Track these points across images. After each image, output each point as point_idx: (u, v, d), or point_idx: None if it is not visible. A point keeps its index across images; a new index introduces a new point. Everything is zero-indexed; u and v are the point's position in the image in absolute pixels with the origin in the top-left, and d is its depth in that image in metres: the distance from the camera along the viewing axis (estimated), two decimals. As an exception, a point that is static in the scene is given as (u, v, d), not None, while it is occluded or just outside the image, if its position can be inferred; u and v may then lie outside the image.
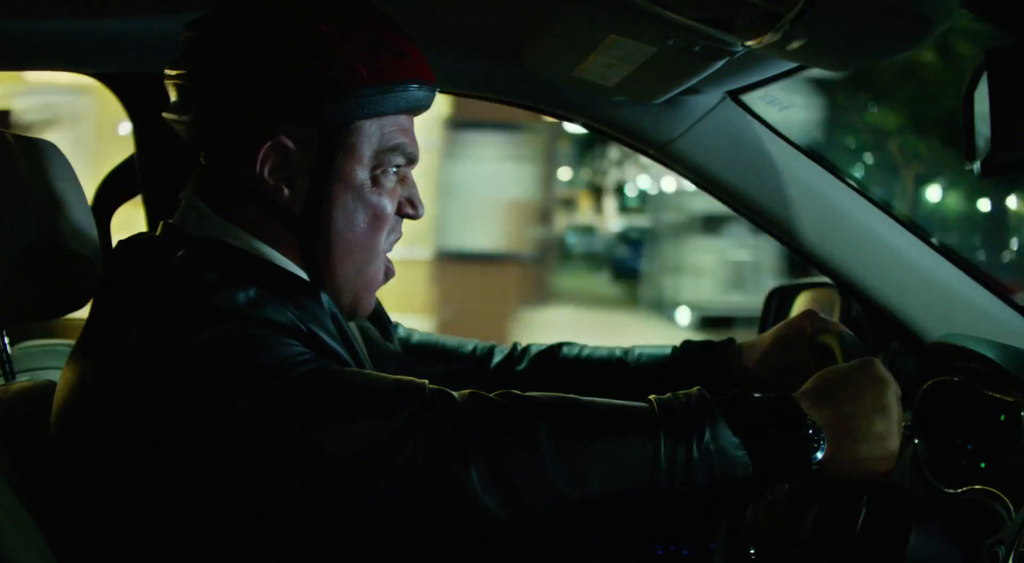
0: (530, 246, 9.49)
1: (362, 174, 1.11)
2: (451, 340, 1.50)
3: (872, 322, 1.67)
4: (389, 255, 1.19)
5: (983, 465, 1.20)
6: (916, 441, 1.30)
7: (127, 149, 1.86)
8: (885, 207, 1.62)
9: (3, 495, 1.02)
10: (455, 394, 1.00)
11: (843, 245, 1.61)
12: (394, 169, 1.14)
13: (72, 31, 1.52)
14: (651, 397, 1.03)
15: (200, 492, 0.97)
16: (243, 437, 0.94)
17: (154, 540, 1.00)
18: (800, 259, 1.68)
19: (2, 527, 0.99)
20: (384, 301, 1.36)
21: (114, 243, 1.16)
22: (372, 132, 1.10)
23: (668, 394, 1.04)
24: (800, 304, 1.86)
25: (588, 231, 28.66)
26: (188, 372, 0.96)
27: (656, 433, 0.98)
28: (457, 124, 8.73)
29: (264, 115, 1.08)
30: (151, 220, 1.83)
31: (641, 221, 21.59)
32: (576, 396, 1.03)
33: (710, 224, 13.60)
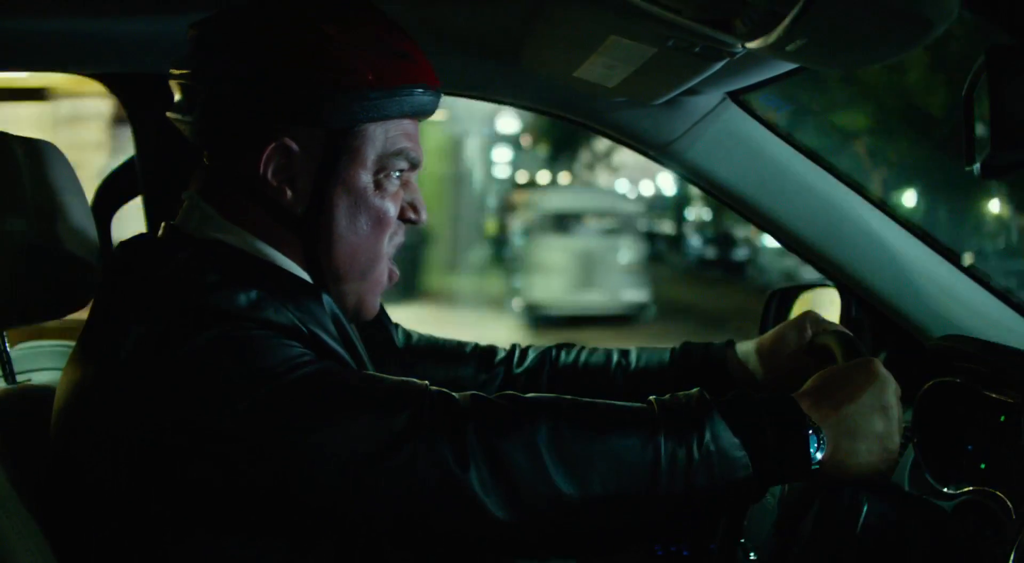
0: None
1: (365, 177, 1.11)
2: (451, 341, 1.50)
3: (872, 323, 1.67)
4: None
5: (983, 466, 1.20)
6: (914, 442, 1.30)
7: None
8: (885, 208, 1.62)
9: (4, 495, 1.02)
10: (455, 395, 1.00)
11: (843, 246, 1.61)
12: (397, 173, 1.14)
13: (72, 31, 1.52)
14: (651, 398, 1.04)
15: (200, 492, 0.97)
16: (243, 438, 0.94)
17: (154, 540, 0.99)
18: (801, 259, 1.68)
19: (2, 527, 0.99)
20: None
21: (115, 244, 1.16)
22: (376, 136, 1.10)
23: (668, 395, 1.04)
24: (800, 305, 1.86)
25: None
26: (188, 373, 0.96)
27: (656, 434, 0.98)
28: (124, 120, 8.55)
29: (269, 116, 1.08)
30: (151, 221, 1.83)
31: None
32: (576, 397, 1.03)
33: (562, 222, 13.65)
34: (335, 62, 1.06)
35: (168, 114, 1.14)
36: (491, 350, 1.49)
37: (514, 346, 1.50)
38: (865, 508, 1.03)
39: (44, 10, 1.41)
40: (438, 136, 15.19)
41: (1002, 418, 1.17)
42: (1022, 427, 1.11)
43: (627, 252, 13.62)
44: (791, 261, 17.47)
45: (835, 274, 1.65)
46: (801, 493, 1.18)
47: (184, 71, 1.10)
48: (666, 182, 31.70)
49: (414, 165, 1.16)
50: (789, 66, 1.39)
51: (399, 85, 1.09)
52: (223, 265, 1.05)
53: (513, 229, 17.55)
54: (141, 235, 1.19)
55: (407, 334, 1.48)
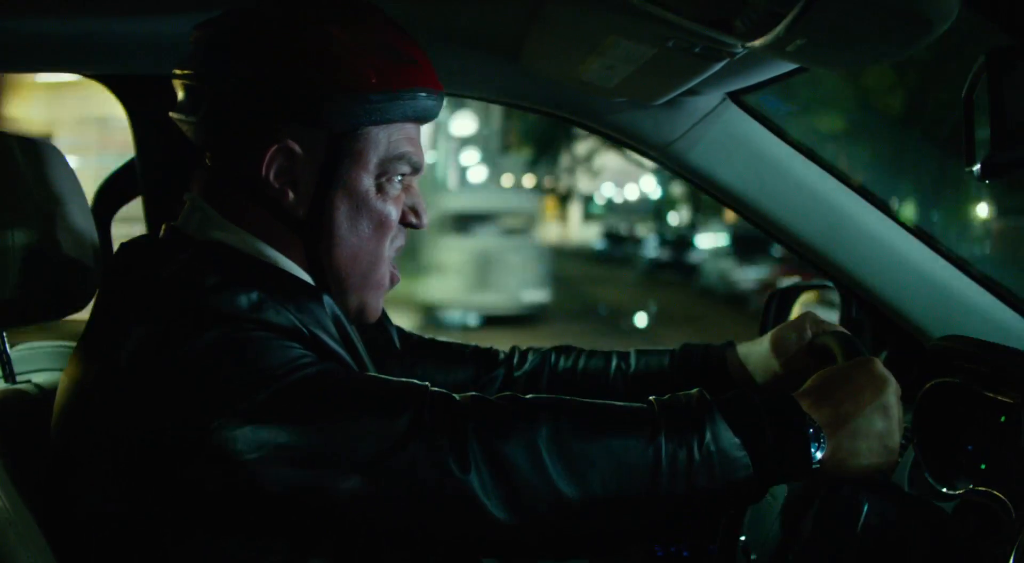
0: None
1: (367, 180, 1.11)
2: (451, 343, 1.50)
3: (872, 323, 1.67)
4: None
5: (983, 466, 1.20)
6: (914, 442, 1.30)
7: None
8: (885, 208, 1.62)
9: (4, 495, 1.02)
10: (456, 396, 1.00)
11: (843, 246, 1.61)
12: (399, 177, 1.14)
13: (72, 32, 1.52)
14: (651, 398, 1.03)
15: (200, 493, 0.97)
16: (244, 439, 0.94)
17: (154, 540, 0.99)
18: (801, 259, 1.68)
19: (3, 527, 0.99)
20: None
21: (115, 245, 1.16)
22: (379, 139, 1.10)
23: (668, 395, 1.04)
24: (800, 305, 1.86)
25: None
26: (189, 375, 0.96)
27: (657, 434, 0.98)
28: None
29: (272, 118, 1.08)
30: (151, 222, 1.83)
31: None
32: (576, 398, 1.03)
33: (462, 223, 13.61)
34: (339, 65, 1.06)
35: (171, 114, 1.14)
36: (491, 352, 1.49)
37: (514, 348, 1.50)
38: (865, 508, 1.03)
39: (45, 11, 1.41)
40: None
41: (1002, 418, 1.17)
42: (1022, 427, 1.11)
43: (527, 253, 13.57)
44: (726, 264, 17.77)
45: (835, 274, 1.65)
46: (801, 493, 1.18)
47: (188, 71, 1.10)
48: (650, 185, 31.78)
49: (416, 169, 1.16)
50: (789, 66, 1.39)
51: (402, 88, 1.09)
52: (224, 266, 1.05)
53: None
54: (142, 236, 1.19)
55: (407, 336, 1.48)
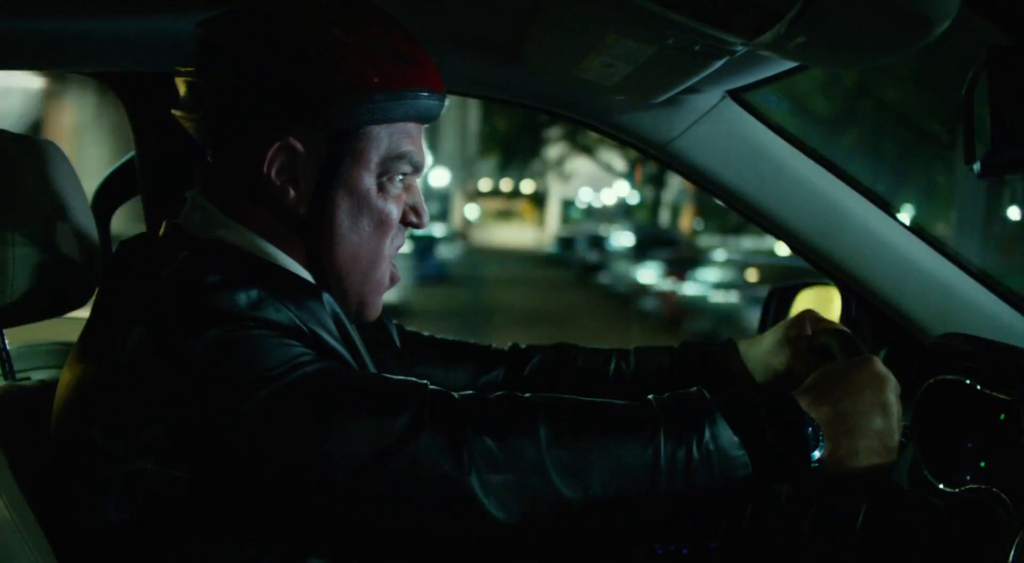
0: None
1: (368, 179, 1.11)
2: (451, 341, 1.50)
3: (872, 321, 1.67)
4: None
5: (983, 464, 1.20)
6: (913, 440, 1.30)
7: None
8: (885, 206, 1.62)
9: (4, 495, 1.02)
10: (455, 395, 1.00)
11: (843, 244, 1.61)
12: (400, 177, 1.14)
13: (72, 31, 1.52)
14: (650, 397, 1.03)
15: (200, 493, 0.97)
16: (244, 439, 0.94)
17: (154, 540, 1.00)
18: (801, 258, 1.68)
19: (3, 526, 0.99)
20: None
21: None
22: (381, 138, 1.10)
23: (667, 394, 1.04)
24: (800, 304, 1.86)
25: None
26: (189, 375, 0.96)
27: (656, 433, 0.98)
28: None
29: (273, 116, 1.08)
30: (151, 220, 1.83)
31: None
32: (575, 397, 1.03)
33: None
34: (341, 64, 1.06)
35: (173, 112, 1.14)
36: (491, 351, 1.49)
37: (514, 346, 1.50)
38: (865, 507, 1.03)
39: (45, 10, 1.41)
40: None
41: (1002, 416, 1.17)
42: (1022, 425, 1.11)
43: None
44: (624, 265, 17.92)
45: (835, 272, 1.65)
46: (801, 492, 1.18)
47: (190, 69, 1.10)
48: (626, 190, 31.89)
49: (417, 169, 1.16)
50: (789, 64, 1.39)
51: (404, 88, 1.09)
52: (224, 265, 1.05)
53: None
54: (141, 234, 1.19)
55: (407, 334, 1.48)
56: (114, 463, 0.98)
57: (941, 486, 1.23)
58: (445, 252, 21.88)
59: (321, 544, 1.02)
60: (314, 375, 0.98)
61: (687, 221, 26.45)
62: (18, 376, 1.35)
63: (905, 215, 1.59)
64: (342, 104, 1.06)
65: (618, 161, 27.63)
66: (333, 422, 0.95)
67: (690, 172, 1.68)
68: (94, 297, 1.15)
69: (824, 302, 1.80)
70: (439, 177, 29.24)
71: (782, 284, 1.93)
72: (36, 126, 12.23)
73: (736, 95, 1.63)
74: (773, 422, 1.00)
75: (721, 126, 1.62)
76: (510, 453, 0.96)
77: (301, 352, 1.00)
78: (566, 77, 1.49)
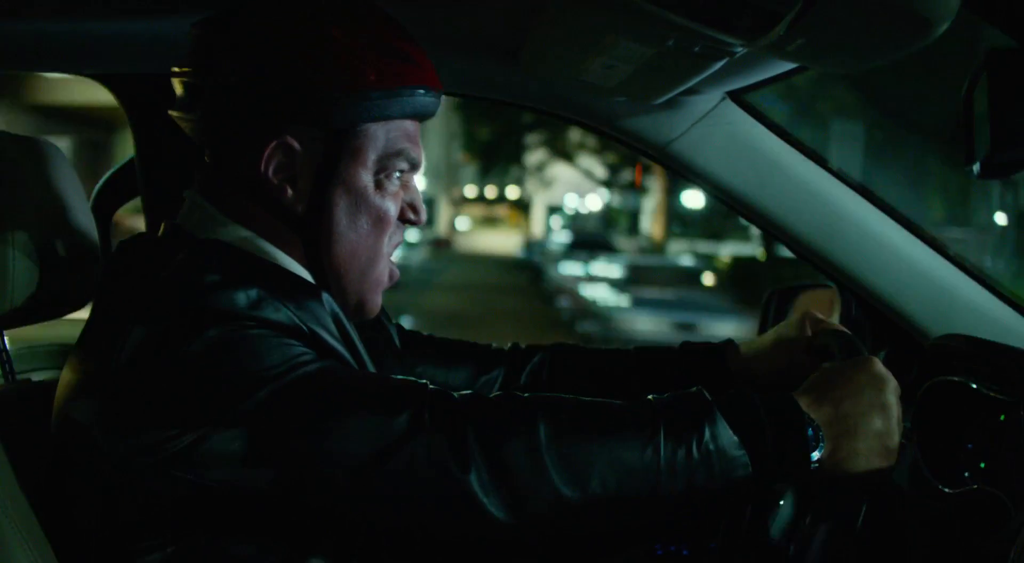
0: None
1: (366, 177, 1.11)
2: (451, 341, 1.50)
3: (872, 322, 1.67)
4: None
5: (983, 465, 1.20)
6: (913, 441, 1.30)
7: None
8: (885, 207, 1.62)
9: (4, 494, 1.02)
10: (455, 395, 1.00)
11: (843, 245, 1.61)
12: (397, 174, 1.14)
13: (72, 31, 1.52)
14: (650, 397, 1.03)
15: (200, 493, 0.97)
16: (244, 439, 0.94)
17: (154, 540, 1.00)
18: (801, 259, 1.68)
19: (3, 526, 0.99)
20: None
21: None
22: (378, 136, 1.11)
23: (667, 394, 1.04)
24: (799, 305, 1.86)
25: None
26: (189, 375, 0.96)
27: (656, 433, 0.98)
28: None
29: (271, 115, 1.08)
30: (150, 221, 1.83)
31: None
32: (575, 397, 1.03)
33: None
34: (338, 62, 1.06)
35: (170, 112, 1.14)
36: (491, 350, 1.49)
37: (514, 346, 1.50)
38: (865, 507, 1.03)
39: (45, 10, 1.41)
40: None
41: (1002, 417, 1.17)
42: (1022, 426, 1.11)
43: None
44: (554, 267, 18.11)
45: (834, 273, 1.65)
46: (801, 493, 1.18)
47: (187, 69, 1.10)
48: (614, 196, 31.98)
49: (414, 166, 1.16)
50: (789, 65, 1.39)
51: (401, 86, 1.09)
52: (223, 265, 1.05)
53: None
54: (141, 234, 1.19)
55: (407, 334, 1.48)
56: (114, 463, 0.98)
57: (941, 487, 1.23)
58: (411, 257, 21.84)
59: (321, 544, 1.02)
60: (314, 375, 0.98)
61: (659, 227, 26.43)
62: (18, 377, 1.35)
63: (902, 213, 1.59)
64: (339, 102, 1.06)
65: (598, 168, 27.68)
66: (333, 422, 0.95)
67: (690, 173, 1.68)
68: (94, 298, 1.15)
69: (824, 303, 1.80)
70: (421, 183, 29.33)
71: (782, 285, 1.93)
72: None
73: (736, 96, 1.63)
74: (773, 422, 1.00)
75: (721, 127, 1.62)
76: (510, 453, 0.96)
77: (301, 352, 1.00)
78: (566, 78, 1.49)
